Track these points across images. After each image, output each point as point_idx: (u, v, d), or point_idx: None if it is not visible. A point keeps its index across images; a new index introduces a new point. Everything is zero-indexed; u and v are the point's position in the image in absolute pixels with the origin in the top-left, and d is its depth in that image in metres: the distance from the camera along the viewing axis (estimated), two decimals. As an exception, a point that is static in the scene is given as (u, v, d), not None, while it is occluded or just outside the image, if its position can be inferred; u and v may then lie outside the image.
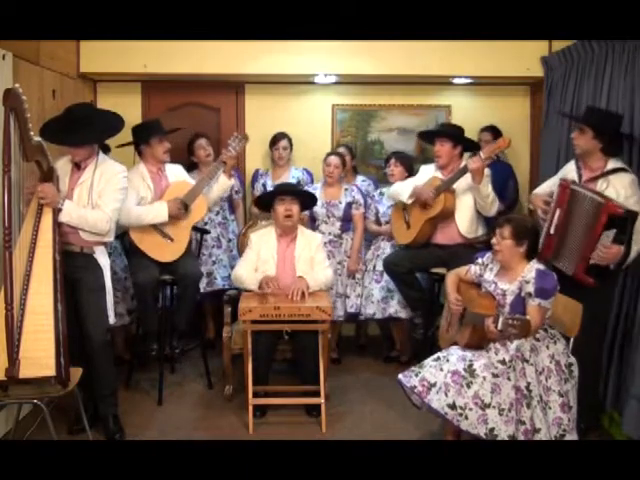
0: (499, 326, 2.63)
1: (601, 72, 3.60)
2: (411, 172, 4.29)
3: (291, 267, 3.71)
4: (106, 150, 3.88)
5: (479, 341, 2.87)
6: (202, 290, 4.31)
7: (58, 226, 2.98)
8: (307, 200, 3.92)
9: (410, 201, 4.00)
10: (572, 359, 2.86)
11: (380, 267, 4.27)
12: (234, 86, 4.91)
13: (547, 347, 2.84)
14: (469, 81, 4.83)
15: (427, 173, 4.06)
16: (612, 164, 3.12)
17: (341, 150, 4.56)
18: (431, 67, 4.51)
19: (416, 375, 2.85)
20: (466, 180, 3.82)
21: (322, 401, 3.44)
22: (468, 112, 4.90)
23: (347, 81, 4.85)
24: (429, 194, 3.88)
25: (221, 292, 4.09)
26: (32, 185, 2.98)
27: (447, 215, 3.92)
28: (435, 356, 2.93)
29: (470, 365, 2.78)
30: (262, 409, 3.57)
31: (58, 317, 2.75)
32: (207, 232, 4.21)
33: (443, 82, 4.86)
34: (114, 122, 3.27)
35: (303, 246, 3.76)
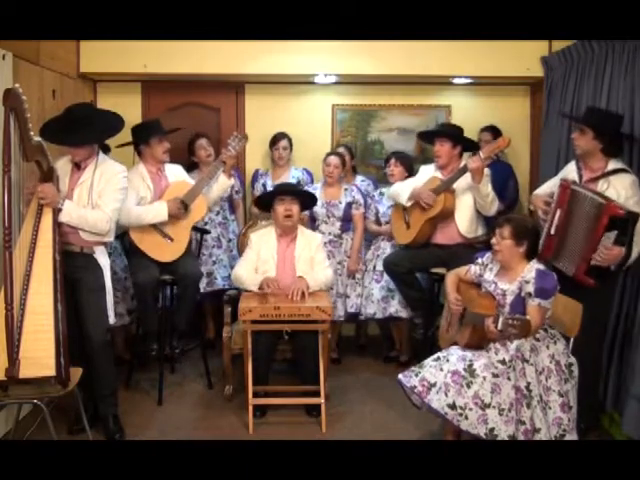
0: (499, 326, 2.62)
1: (601, 72, 3.59)
2: (411, 172, 4.29)
3: (291, 267, 3.71)
4: (106, 150, 3.88)
5: (479, 341, 2.87)
6: (202, 290, 4.31)
7: (58, 226, 2.98)
8: (307, 200, 3.92)
9: (409, 204, 4.00)
10: (572, 359, 2.86)
11: (380, 267, 4.26)
12: (234, 86, 4.91)
13: (547, 347, 2.84)
14: (469, 81, 4.83)
15: (427, 173, 4.06)
16: (613, 165, 3.12)
17: (341, 150, 4.56)
18: (431, 67, 4.51)
19: (416, 375, 2.85)
20: (466, 180, 3.82)
21: (322, 401, 3.44)
22: (468, 112, 4.90)
23: (347, 81, 4.85)
24: (428, 197, 3.88)
25: (221, 292, 4.09)
26: (32, 185, 2.98)
27: (447, 215, 3.91)
28: (435, 356, 2.93)
29: (470, 365, 2.78)
30: (262, 409, 3.57)
31: (58, 317, 2.75)
32: (207, 232, 4.21)
33: (443, 82, 4.86)
34: (114, 122, 3.27)
35: (303, 246, 3.75)
